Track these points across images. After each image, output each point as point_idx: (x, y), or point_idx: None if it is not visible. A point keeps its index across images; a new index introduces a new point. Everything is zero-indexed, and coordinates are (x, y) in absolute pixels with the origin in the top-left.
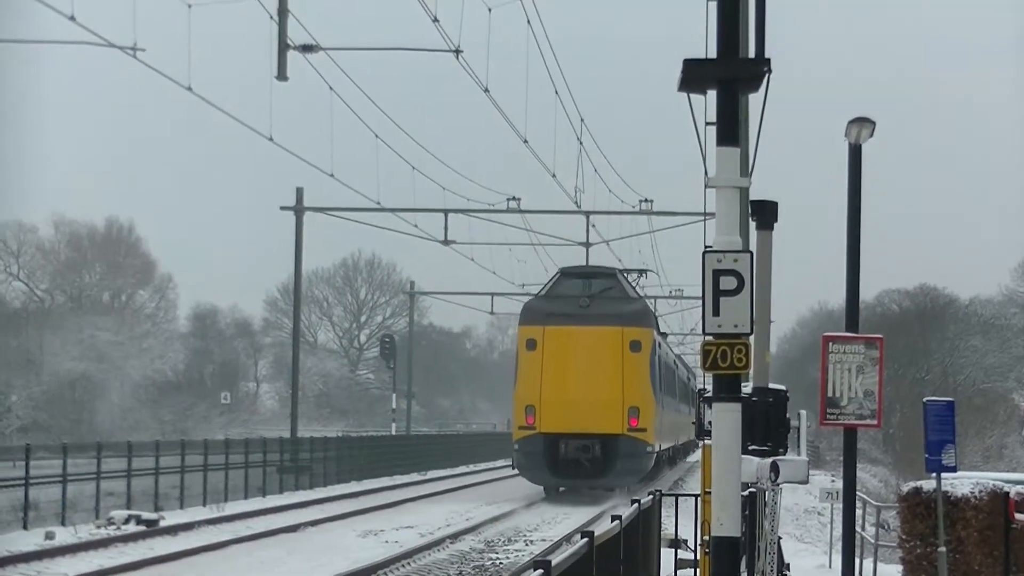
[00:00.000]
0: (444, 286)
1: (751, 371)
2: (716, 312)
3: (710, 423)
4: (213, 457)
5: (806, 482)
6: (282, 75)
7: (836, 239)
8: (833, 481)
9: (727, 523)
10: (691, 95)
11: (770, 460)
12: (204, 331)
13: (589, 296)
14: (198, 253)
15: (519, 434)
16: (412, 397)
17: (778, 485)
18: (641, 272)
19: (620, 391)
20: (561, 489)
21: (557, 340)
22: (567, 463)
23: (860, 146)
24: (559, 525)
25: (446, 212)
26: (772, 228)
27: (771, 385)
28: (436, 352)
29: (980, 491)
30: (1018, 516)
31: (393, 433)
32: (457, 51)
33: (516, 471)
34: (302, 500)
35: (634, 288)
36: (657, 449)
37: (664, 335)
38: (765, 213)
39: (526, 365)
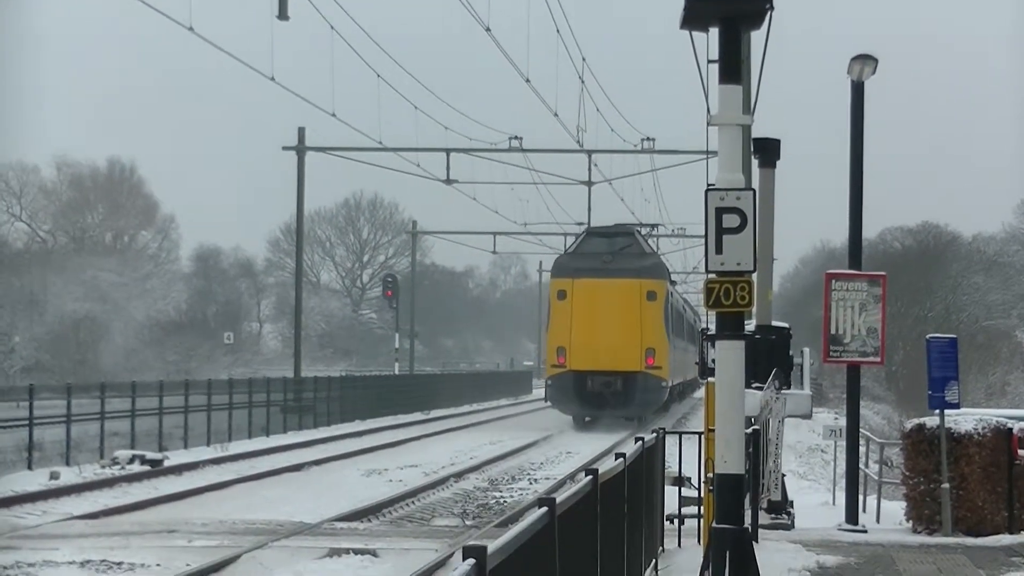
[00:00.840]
0: (446, 225)
1: (754, 309)
2: (719, 250)
3: (713, 361)
4: (217, 397)
5: (809, 416)
6: (283, 14)
7: (839, 177)
8: (836, 419)
9: (731, 461)
10: (693, 32)
11: (772, 373)
12: (207, 271)
13: (611, 253)
14: (200, 194)
15: (552, 371)
16: (415, 337)
17: (782, 397)
18: (653, 226)
19: (639, 334)
20: (587, 419)
21: (585, 291)
22: (593, 396)
23: (863, 83)
24: (563, 464)
25: (448, 151)
26: (774, 166)
27: (774, 323)
28: (439, 292)
29: (983, 428)
30: (1021, 452)
31: (396, 373)
32: None
33: (548, 403)
34: (306, 440)
35: (648, 244)
36: (670, 384)
37: (674, 283)
38: (767, 151)
39: (557, 313)
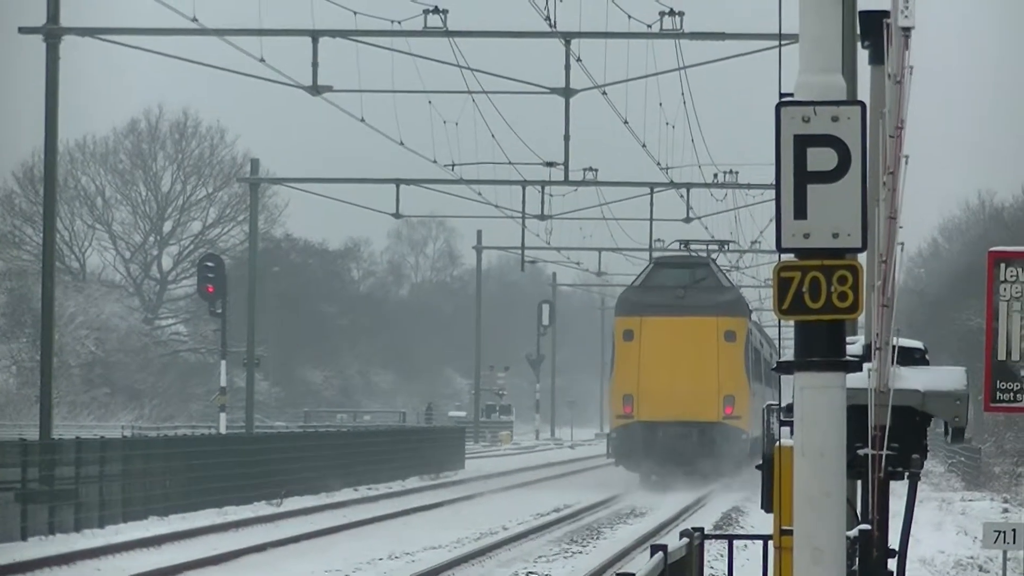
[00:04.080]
0: (313, 169)
1: (862, 317)
2: (801, 212)
3: (790, 412)
4: None
5: (966, 397)
6: None
7: (1005, 88)
8: (1006, 511)
9: None
10: None
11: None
12: None
13: (684, 287)
14: None
15: (617, 423)
16: (255, 366)
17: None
18: (722, 244)
19: (716, 380)
20: (653, 477)
21: (655, 331)
22: (664, 450)
23: None
24: None
25: (315, 34)
26: None
27: (897, 341)
28: (299, 286)
29: None
30: None
31: (223, 431)
32: None
33: (612, 459)
34: (59, 552)
35: (725, 275)
36: (751, 436)
37: (751, 314)
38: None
39: (624, 356)
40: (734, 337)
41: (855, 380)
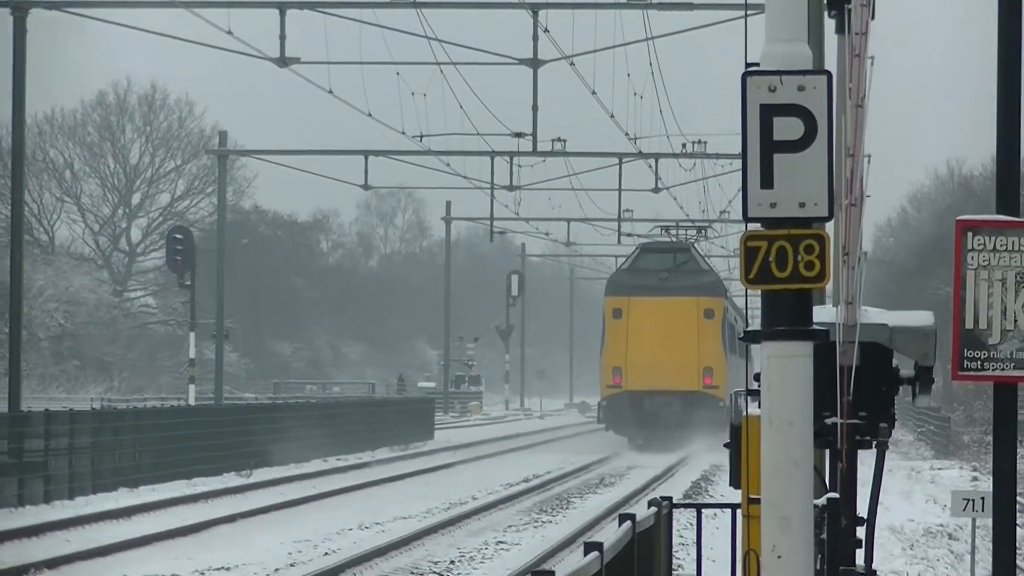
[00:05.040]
0: (281, 141)
1: (830, 285)
2: (768, 181)
3: (757, 380)
4: None
5: (934, 334)
6: None
7: (977, 57)
8: (975, 479)
9: (789, 552)
10: None
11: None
12: None
13: (668, 270)
14: None
15: (607, 392)
16: (224, 338)
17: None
18: (700, 229)
19: (696, 353)
20: (640, 441)
21: (641, 310)
22: (649, 416)
23: None
24: (486, 563)
25: (282, 6)
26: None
27: (866, 311)
28: (267, 258)
29: None
30: None
31: (192, 403)
32: None
33: (602, 425)
34: (29, 524)
35: (704, 259)
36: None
37: (727, 291)
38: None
39: (613, 332)
40: (712, 315)
41: (822, 314)
